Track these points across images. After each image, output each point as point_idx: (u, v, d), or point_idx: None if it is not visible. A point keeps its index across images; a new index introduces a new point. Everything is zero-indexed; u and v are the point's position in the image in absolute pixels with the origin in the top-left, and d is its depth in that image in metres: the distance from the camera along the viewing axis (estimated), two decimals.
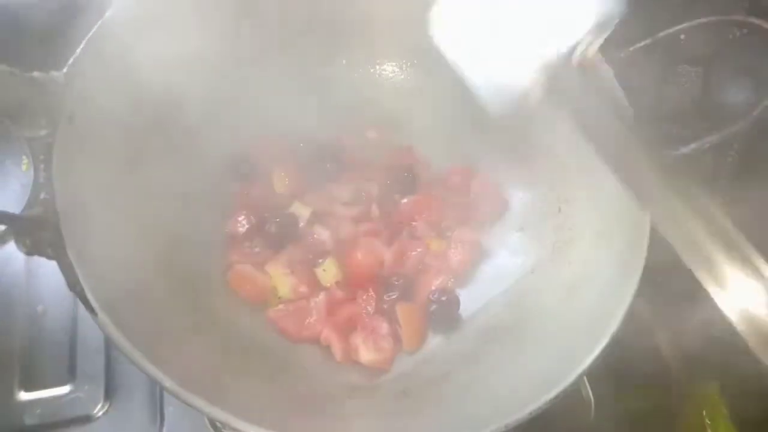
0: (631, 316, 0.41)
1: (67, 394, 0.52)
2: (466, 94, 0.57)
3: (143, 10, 0.45)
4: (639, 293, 0.41)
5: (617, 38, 0.47)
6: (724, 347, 0.61)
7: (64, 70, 0.41)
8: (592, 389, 0.54)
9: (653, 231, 0.42)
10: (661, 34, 0.46)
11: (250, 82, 0.55)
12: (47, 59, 0.41)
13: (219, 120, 0.53)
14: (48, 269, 0.57)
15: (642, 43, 0.47)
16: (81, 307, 0.54)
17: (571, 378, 0.38)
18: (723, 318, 0.60)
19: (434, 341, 0.51)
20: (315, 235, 0.53)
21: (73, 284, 0.37)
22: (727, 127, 0.42)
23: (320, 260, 0.53)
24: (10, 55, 0.41)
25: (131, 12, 0.44)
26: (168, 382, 0.35)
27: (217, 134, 0.53)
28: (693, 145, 0.43)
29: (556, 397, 0.38)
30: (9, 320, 0.54)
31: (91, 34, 0.43)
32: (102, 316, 0.36)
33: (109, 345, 0.54)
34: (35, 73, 0.40)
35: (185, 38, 0.48)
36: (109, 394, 0.52)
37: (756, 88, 0.52)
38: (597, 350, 0.39)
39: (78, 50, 0.42)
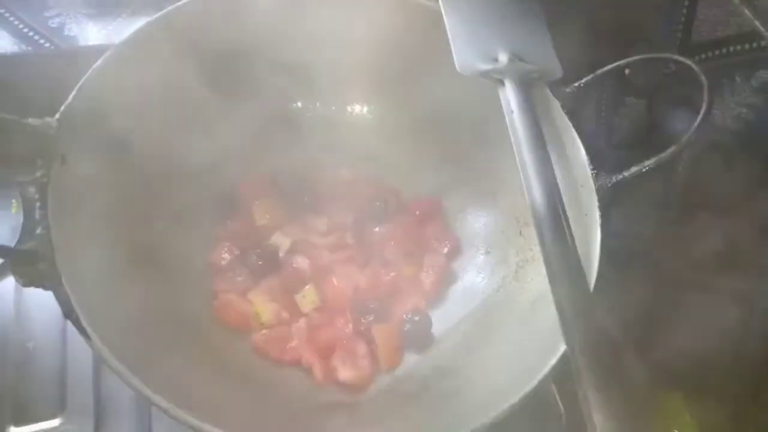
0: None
1: (57, 427, 0.53)
2: (430, 132, 0.62)
3: (130, 60, 0.49)
4: (599, 305, 0.45)
5: (565, 77, 0.53)
6: (687, 357, 0.65)
7: (57, 115, 0.45)
8: (562, 401, 0.57)
9: (606, 248, 0.47)
10: (601, 70, 0.51)
11: (233, 123, 0.59)
12: (42, 106, 0.45)
13: (204, 159, 0.57)
14: (37, 306, 0.59)
15: (584, 80, 0.52)
16: (70, 342, 0.57)
17: (534, 382, 0.42)
18: (686, 330, 0.64)
19: (410, 359, 0.54)
20: (294, 264, 0.57)
21: (69, 312, 0.39)
22: (662, 153, 0.47)
23: (300, 287, 0.56)
24: (8, 102, 0.45)
25: (120, 62, 0.48)
26: (161, 402, 0.37)
27: (203, 174, 0.57)
28: (633, 169, 0.48)
29: (522, 399, 0.41)
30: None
31: (82, 81, 0.46)
32: (95, 339, 0.39)
33: (98, 378, 0.56)
34: (30, 120, 0.43)
35: (168, 85, 0.52)
36: (99, 425, 0.54)
37: (688, 117, 0.58)
38: (556, 357, 0.42)
39: (70, 96, 0.46)
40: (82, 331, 0.39)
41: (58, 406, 0.54)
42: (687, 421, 0.64)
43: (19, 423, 0.53)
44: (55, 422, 0.54)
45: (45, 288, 0.40)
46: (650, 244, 0.66)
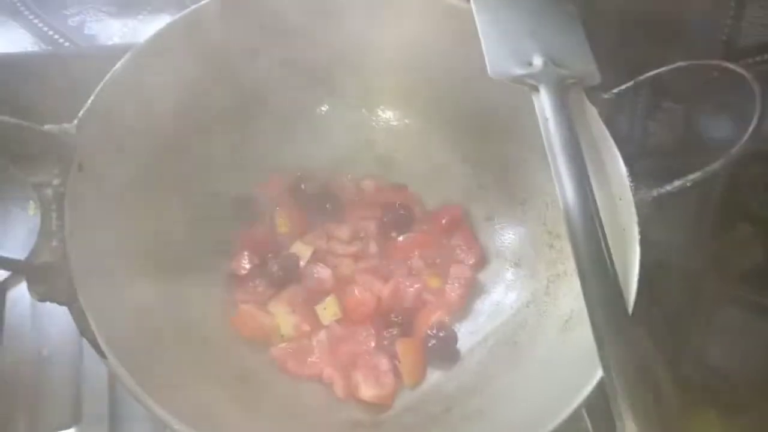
0: None
1: None
2: (457, 137, 0.60)
3: (150, 63, 0.47)
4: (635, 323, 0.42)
5: (602, 83, 0.50)
6: (721, 375, 0.62)
7: (75, 121, 0.43)
8: (590, 420, 0.55)
9: (642, 263, 0.44)
10: (641, 77, 0.48)
11: (254, 126, 0.57)
12: (61, 108, 0.43)
13: (224, 163, 0.55)
14: (53, 313, 0.58)
15: (624, 86, 0.49)
16: (86, 350, 0.56)
17: (568, 411, 0.39)
18: (720, 346, 0.62)
19: (434, 376, 0.52)
20: (316, 274, 0.55)
21: (84, 330, 0.38)
22: (709, 165, 0.44)
23: (321, 298, 0.54)
24: (25, 108, 0.43)
25: (139, 65, 0.46)
26: (177, 424, 0.36)
27: (222, 177, 0.55)
28: (677, 183, 0.45)
29: (556, 429, 0.39)
30: (15, 363, 0.55)
31: (101, 85, 0.45)
32: (112, 359, 0.37)
33: (113, 387, 0.55)
34: (47, 126, 0.42)
35: (189, 88, 0.50)
36: None
37: (734, 125, 0.55)
38: (592, 384, 0.40)
39: (89, 102, 0.44)
40: (99, 350, 0.37)
41: (73, 415, 0.53)
42: None
43: None
44: None
45: (60, 303, 0.38)
46: (686, 256, 0.63)
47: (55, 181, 0.41)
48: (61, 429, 0.53)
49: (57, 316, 0.57)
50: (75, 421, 0.53)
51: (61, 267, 0.38)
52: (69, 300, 0.38)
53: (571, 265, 0.51)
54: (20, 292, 0.58)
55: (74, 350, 0.57)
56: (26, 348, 0.56)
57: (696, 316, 0.63)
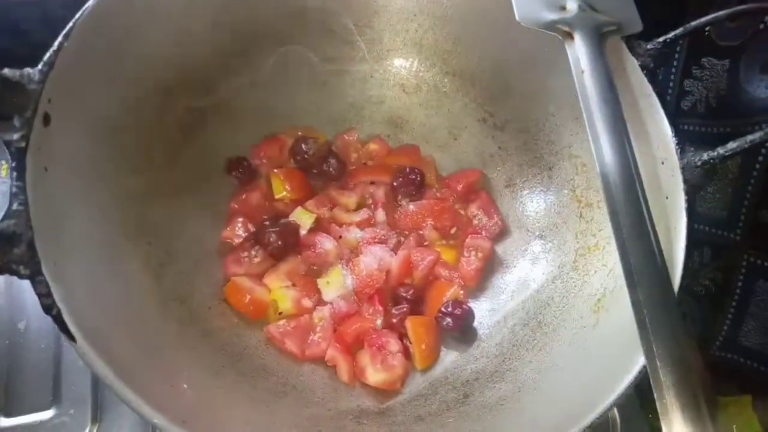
0: None
1: (51, 419, 0.48)
2: (475, 93, 0.54)
3: (126, 3, 0.41)
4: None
5: (646, 31, 0.44)
6: (757, 358, 0.58)
7: (40, 66, 0.37)
8: (619, 412, 0.51)
9: (689, 231, 0.39)
10: (692, 24, 0.43)
11: (251, 78, 0.51)
12: (22, 56, 0.38)
13: (214, 118, 0.49)
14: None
15: (672, 34, 0.43)
16: None
17: (604, 405, 0.35)
18: (756, 327, 0.57)
19: (449, 359, 0.48)
20: (318, 245, 0.50)
21: (49, 307, 0.33)
22: (754, 132, 0.39)
23: (324, 271, 0.49)
24: None
25: (114, 4, 0.40)
26: (158, 418, 0.31)
27: (213, 134, 0.49)
28: (732, 145, 0.40)
29: (589, 426, 0.34)
30: None
31: (67, 29, 0.39)
32: (81, 342, 0.32)
33: None
34: (6, 70, 0.36)
35: (177, 31, 0.44)
36: (97, 416, 0.49)
37: None
38: (633, 373, 0.35)
39: (56, 43, 0.38)
40: (66, 331, 0.32)
41: (53, 395, 0.49)
42: (756, 426, 0.58)
43: (10, 414, 0.48)
44: (49, 413, 0.48)
45: (20, 276, 0.33)
46: (723, 227, 0.58)
47: (15, 136, 0.35)
48: (39, 411, 0.48)
49: None
50: (54, 402, 0.49)
51: (22, 234, 0.33)
52: (31, 272, 0.33)
53: (603, 237, 0.46)
54: None
55: (54, 325, 0.52)
56: (1, 322, 0.51)
57: (727, 292, 0.58)
